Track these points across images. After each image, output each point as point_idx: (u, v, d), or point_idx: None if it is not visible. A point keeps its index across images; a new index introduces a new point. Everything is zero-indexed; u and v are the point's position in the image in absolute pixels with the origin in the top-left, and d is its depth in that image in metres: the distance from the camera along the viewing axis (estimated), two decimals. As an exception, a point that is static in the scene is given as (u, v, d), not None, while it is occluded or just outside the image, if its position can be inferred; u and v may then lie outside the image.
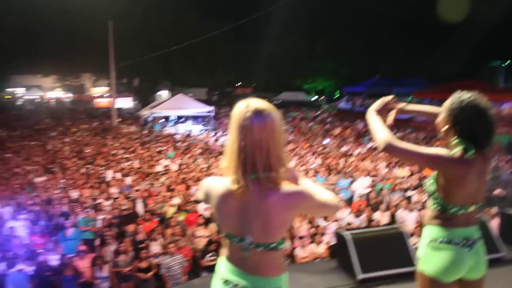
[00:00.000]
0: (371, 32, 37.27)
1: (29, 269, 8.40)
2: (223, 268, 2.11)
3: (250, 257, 2.01)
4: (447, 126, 2.70)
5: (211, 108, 29.87)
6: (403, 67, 37.68)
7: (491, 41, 32.93)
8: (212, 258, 8.40)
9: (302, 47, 43.44)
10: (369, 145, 19.30)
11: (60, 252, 8.68)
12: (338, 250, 5.35)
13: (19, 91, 57.00)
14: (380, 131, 2.67)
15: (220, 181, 2.09)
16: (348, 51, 43.21)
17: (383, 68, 39.95)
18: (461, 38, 30.43)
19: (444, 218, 2.69)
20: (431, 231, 2.71)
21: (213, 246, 8.54)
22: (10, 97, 55.06)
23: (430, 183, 2.76)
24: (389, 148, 2.57)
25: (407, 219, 9.28)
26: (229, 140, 2.03)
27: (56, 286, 7.71)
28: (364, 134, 23.43)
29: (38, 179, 13.70)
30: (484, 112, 2.60)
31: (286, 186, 2.00)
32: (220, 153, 18.13)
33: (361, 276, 4.71)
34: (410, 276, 4.93)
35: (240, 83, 54.76)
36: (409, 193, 11.34)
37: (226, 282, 2.06)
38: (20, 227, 9.66)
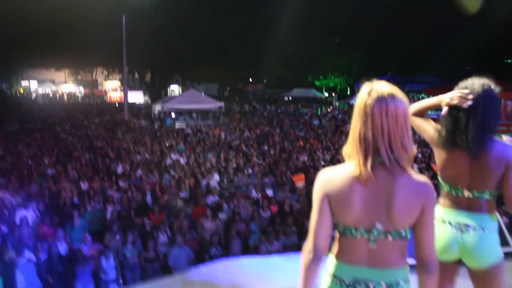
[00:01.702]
0: (383, 29, 37.00)
1: (38, 258, 8.51)
2: (343, 271, 1.96)
3: (378, 249, 1.89)
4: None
5: (222, 103, 29.89)
6: (415, 64, 37.39)
7: (507, 38, 32.50)
8: (216, 252, 8.44)
9: (315, 43, 43.28)
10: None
11: (69, 242, 8.75)
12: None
13: (33, 84, 57.54)
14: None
15: (341, 170, 1.97)
16: (361, 48, 42.99)
17: (396, 65, 39.69)
18: (476, 35, 30.05)
19: (444, 196, 2.77)
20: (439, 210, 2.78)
21: (217, 239, 8.58)
22: (23, 90, 55.60)
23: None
24: None
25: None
26: (352, 125, 1.95)
27: (66, 276, 7.76)
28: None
29: (49, 171, 13.82)
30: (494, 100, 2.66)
31: (414, 173, 1.92)
32: (230, 148, 18.15)
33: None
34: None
35: (252, 79, 54.73)
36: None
37: (354, 284, 1.92)
38: (30, 217, 9.74)
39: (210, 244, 8.60)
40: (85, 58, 40.51)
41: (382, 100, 1.88)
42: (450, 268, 2.77)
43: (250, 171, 13.62)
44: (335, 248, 2.01)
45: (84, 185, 12.05)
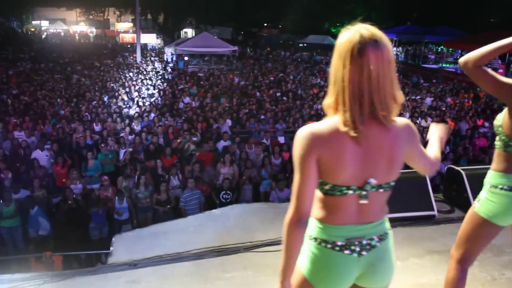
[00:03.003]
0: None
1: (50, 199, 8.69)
2: (331, 233, 1.83)
3: (368, 204, 1.79)
4: None
5: (236, 48, 29.41)
6: (436, 14, 36.10)
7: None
8: (226, 196, 8.52)
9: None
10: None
11: (83, 183, 8.88)
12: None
13: (44, 24, 56.85)
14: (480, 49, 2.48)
15: (327, 125, 1.76)
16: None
17: (415, 15, 38.41)
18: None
19: (506, 160, 2.56)
20: (492, 176, 2.62)
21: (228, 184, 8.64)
22: (34, 29, 55.02)
23: (497, 118, 2.60)
24: (466, 66, 2.49)
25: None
26: (336, 72, 1.74)
27: (80, 215, 7.93)
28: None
29: (62, 111, 13.87)
30: None
31: (397, 119, 1.81)
32: (243, 93, 18.01)
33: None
34: (426, 220, 4.98)
35: (266, 24, 53.53)
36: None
37: (347, 244, 1.81)
38: (44, 158, 9.86)
39: (221, 188, 8.67)
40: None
41: (377, 44, 1.69)
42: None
43: (262, 117, 13.54)
44: (317, 211, 1.85)
45: (97, 127, 12.10)
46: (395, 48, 34.61)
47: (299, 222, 1.75)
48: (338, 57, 1.73)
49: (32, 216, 7.70)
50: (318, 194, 1.83)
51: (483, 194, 2.66)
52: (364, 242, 1.83)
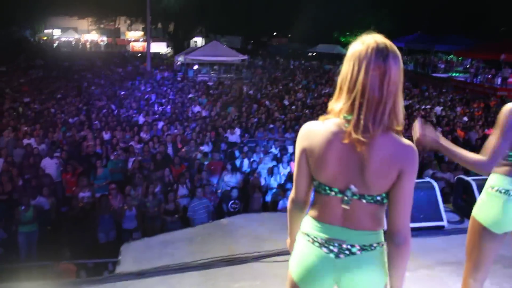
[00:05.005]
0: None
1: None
2: (316, 229, 1.89)
3: (352, 210, 1.80)
4: None
5: (245, 57, 29.52)
6: (447, 23, 35.96)
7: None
8: (234, 205, 8.50)
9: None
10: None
11: (92, 190, 8.92)
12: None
13: (56, 32, 57.51)
14: (465, 158, 2.45)
15: (322, 125, 1.82)
16: (391, 4, 41.48)
17: (426, 24, 38.25)
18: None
19: (509, 164, 2.55)
20: (492, 178, 2.61)
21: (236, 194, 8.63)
22: (46, 38, 55.65)
23: None
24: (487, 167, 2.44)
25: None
26: (352, 77, 1.74)
27: (89, 223, 7.95)
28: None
29: (72, 120, 13.98)
30: None
31: (402, 139, 1.77)
32: (255, 102, 18.05)
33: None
34: (436, 231, 4.94)
35: (276, 33, 53.69)
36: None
37: (327, 243, 1.84)
38: (53, 166, 9.92)
39: (229, 198, 8.67)
40: (108, 6, 40.13)
41: (396, 56, 1.73)
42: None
43: (271, 126, 13.56)
44: (311, 207, 1.97)
45: (106, 135, 12.17)
46: (404, 57, 34.48)
47: (295, 206, 2.03)
48: (355, 62, 1.74)
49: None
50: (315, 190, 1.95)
51: (481, 196, 2.68)
52: (344, 246, 1.83)
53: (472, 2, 34.20)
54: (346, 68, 1.77)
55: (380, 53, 1.71)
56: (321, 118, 1.87)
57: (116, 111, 15.55)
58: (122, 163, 10.22)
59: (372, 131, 1.71)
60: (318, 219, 1.89)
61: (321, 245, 1.86)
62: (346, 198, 1.80)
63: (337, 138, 1.76)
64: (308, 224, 1.94)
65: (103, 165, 9.74)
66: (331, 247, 1.84)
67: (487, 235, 2.58)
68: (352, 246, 1.82)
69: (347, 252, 1.83)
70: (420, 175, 10.01)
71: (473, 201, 5.15)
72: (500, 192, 2.52)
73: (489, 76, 23.84)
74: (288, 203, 2.07)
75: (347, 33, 49.10)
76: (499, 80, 22.65)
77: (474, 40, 31.04)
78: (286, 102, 18.22)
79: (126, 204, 8.17)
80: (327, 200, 1.85)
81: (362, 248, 1.82)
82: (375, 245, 1.84)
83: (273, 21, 43.70)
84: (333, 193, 1.83)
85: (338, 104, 1.80)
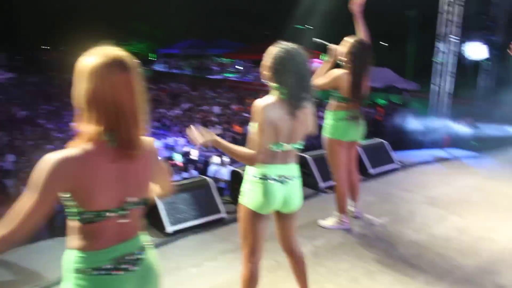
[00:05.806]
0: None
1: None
2: (92, 261, 1.71)
3: (128, 221, 1.81)
4: (269, 73, 2.87)
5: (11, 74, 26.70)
6: (219, 29, 38.20)
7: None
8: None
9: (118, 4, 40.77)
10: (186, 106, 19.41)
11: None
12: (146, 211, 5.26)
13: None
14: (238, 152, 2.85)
15: (84, 152, 1.65)
16: (162, 12, 42.16)
17: (199, 30, 40.05)
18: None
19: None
20: (251, 168, 2.91)
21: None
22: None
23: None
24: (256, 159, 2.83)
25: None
26: (95, 94, 1.63)
27: None
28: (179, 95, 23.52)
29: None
30: (297, 63, 2.80)
31: (144, 138, 1.79)
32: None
33: (170, 229, 4.72)
34: (216, 223, 5.18)
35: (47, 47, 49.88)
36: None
37: (118, 264, 1.75)
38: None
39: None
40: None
41: (131, 67, 1.72)
42: None
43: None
44: (77, 241, 1.73)
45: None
46: (180, 63, 35.51)
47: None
48: (94, 77, 1.64)
49: None
50: (76, 226, 1.71)
51: (245, 185, 2.99)
52: (132, 257, 1.81)
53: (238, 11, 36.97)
54: (89, 86, 1.64)
55: (121, 63, 1.68)
56: (71, 145, 1.68)
57: None
58: None
59: (137, 141, 1.72)
60: (93, 248, 1.72)
61: (111, 270, 1.77)
62: (123, 213, 1.75)
63: (101, 159, 1.65)
64: (79, 260, 1.74)
65: None
66: (123, 265, 1.79)
67: (256, 217, 2.92)
68: (133, 254, 1.84)
69: (138, 261, 1.86)
70: (204, 173, 10.45)
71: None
72: (260, 178, 2.86)
73: (258, 74, 26.17)
74: None
75: (123, 43, 48.33)
76: (265, 77, 25.03)
77: (241, 44, 33.84)
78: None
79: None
80: (103, 225, 1.71)
81: (140, 250, 1.88)
82: (145, 244, 1.93)
83: (39, 34, 40.55)
84: (111, 214, 1.71)
85: (90, 125, 1.66)
